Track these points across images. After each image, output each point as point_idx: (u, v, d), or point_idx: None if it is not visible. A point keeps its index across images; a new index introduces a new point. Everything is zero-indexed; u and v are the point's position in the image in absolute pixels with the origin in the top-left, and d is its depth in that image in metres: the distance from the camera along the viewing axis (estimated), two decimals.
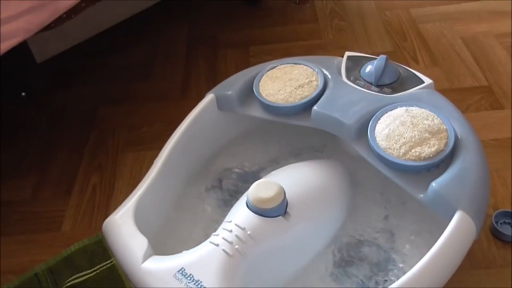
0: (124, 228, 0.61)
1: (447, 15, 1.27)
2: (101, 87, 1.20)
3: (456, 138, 0.63)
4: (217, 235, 0.59)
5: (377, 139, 0.64)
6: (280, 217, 0.60)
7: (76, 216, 0.90)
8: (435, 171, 0.61)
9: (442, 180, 0.58)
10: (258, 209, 0.60)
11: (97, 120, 1.10)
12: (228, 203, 0.76)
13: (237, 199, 0.75)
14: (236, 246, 0.57)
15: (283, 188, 0.61)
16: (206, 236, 0.62)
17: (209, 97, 0.78)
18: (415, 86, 0.72)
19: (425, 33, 1.22)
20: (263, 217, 0.60)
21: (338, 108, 0.68)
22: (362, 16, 1.32)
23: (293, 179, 0.67)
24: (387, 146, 0.63)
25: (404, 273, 0.55)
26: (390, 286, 0.52)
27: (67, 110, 1.14)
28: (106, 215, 0.90)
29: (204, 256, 0.56)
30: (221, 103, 0.77)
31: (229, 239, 0.57)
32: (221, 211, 0.74)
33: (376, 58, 0.77)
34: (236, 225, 0.59)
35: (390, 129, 0.64)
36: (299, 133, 0.82)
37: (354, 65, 0.77)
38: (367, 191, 0.75)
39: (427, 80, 0.73)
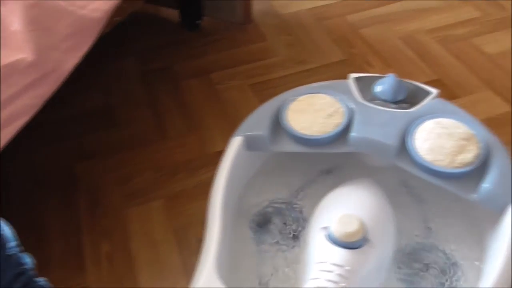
0: None
1: (380, 18, 1.40)
2: (67, 143, 1.10)
3: (483, 139, 0.72)
4: (318, 278, 0.60)
5: (420, 153, 0.70)
6: (365, 245, 0.64)
7: None
8: (476, 172, 0.69)
9: (491, 180, 0.67)
10: (346, 243, 0.63)
11: (79, 180, 1.02)
12: (278, 237, 0.77)
13: (282, 233, 0.77)
14: (342, 284, 0.59)
15: (360, 218, 0.65)
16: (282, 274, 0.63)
17: (237, 140, 0.78)
18: (426, 97, 0.80)
19: (368, 37, 1.33)
20: (353, 250, 0.63)
21: (374, 130, 0.73)
22: (305, 28, 1.39)
23: (354, 204, 0.71)
24: (434, 159, 0.69)
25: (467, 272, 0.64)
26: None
27: (40, 176, 1.04)
28: (136, 281, 0.83)
29: None
30: (251, 144, 0.78)
31: (334, 279, 0.59)
32: (277, 247, 0.75)
33: (379, 76, 0.83)
34: (333, 264, 0.61)
35: (430, 142, 0.71)
36: (306, 159, 0.85)
37: (363, 86, 0.82)
38: (394, 196, 0.81)
39: (433, 90, 0.81)
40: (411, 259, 0.73)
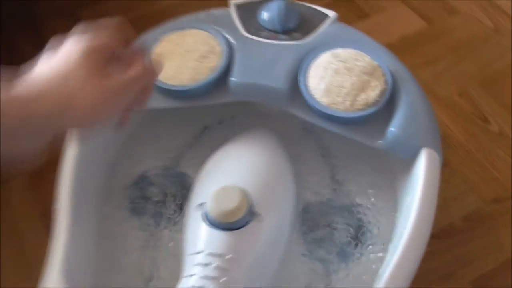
0: None
1: None
2: None
3: (390, 70, 0.59)
4: (194, 274, 0.47)
5: (315, 96, 0.57)
6: (251, 221, 0.51)
7: None
8: (382, 113, 0.57)
9: (399, 122, 0.55)
10: (226, 225, 0.49)
11: None
12: (159, 214, 0.63)
13: (164, 205, 0.63)
14: (223, 279, 0.47)
15: (243, 189, 0.51)
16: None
17: None
18: (322, 23, 0.65)
19: None
20: (235, 231, 0.50)
21: (259, 72, 0.58)
22: None
23: (239, 169, 0.57)
24: (331, 102, 0.56)
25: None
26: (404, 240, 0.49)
27: None
28: None
29: None
30: None
31: (212, 274, 0.46)
32: (158, 229, 0.61)
33: (265, 0, 0.67)
34: (211, 254, 0.48)
35: (326, 82, 0.57)
36: (190, 112, 0.69)
37: (247, 14, 0.66)
38: (298, 149, 0.68)
39: (330, 13, 0.66)
40: (317, 221, 0.62)
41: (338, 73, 0.57)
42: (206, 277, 0.46)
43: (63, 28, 1.14)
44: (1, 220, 0.74)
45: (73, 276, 0.50)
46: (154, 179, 0.65)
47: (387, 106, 0.57)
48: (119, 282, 0.57)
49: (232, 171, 0.56)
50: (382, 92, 0.56)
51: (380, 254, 0.59)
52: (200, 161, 0.64)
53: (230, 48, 0.61)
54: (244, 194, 0.50)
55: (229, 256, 0.48)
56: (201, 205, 0.52)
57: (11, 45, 0.97)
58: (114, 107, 0.37)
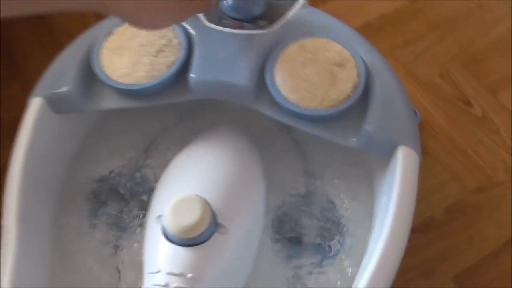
0: None
1: None
2: None
3: (363, 61, 0.54)
4: None
5: (283, 93, 0.52)
6: (215, 234, 0.47)
7: None
8: (356, 109, 0.53)
9: (374, 119, 0.50)
10: (187, 241, 0.45)
11: None
12: (120, 221, 0.59)
13: (124, 212, 0.59)
14: None
15: (204, 199, 0.47)
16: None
17: (36, 102, 0.55)
18: (290, 8, 0.59)
19: None
20: (197, 247, 0.46)
21: (221, 67, 0.53)
22: None
23: (202, 174, 0.52)
24: (300, 99, 0.51)
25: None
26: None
27: None
28: None
29: None
30: (57, 106, 0.55)
31: None
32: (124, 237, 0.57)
33: None
34: (169, 274, 0.44)
35: (294, 76, 0.52)
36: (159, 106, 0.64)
37: None
38: (270, 144, 0.64)
39: None
40: (290, 223, 0.58)
41: (306, 67, 0.52)
42: None
43: None
44: None
45: None
46: (114, 183, 0.61)
47: (360, 101, 0.52)
48: None
49: (193, 177, 0.51)
50: (355, 86, 0.52)
51: (356, 256, 0.56)
52: (164, 161, 0.59)
53: (189, 40, 0.56)
54: (206, 205, 0.46)
55: (190, 275, 0.44)
56: (160, 217, 0.48)
57: None
58: (172, 20, 0.40)
